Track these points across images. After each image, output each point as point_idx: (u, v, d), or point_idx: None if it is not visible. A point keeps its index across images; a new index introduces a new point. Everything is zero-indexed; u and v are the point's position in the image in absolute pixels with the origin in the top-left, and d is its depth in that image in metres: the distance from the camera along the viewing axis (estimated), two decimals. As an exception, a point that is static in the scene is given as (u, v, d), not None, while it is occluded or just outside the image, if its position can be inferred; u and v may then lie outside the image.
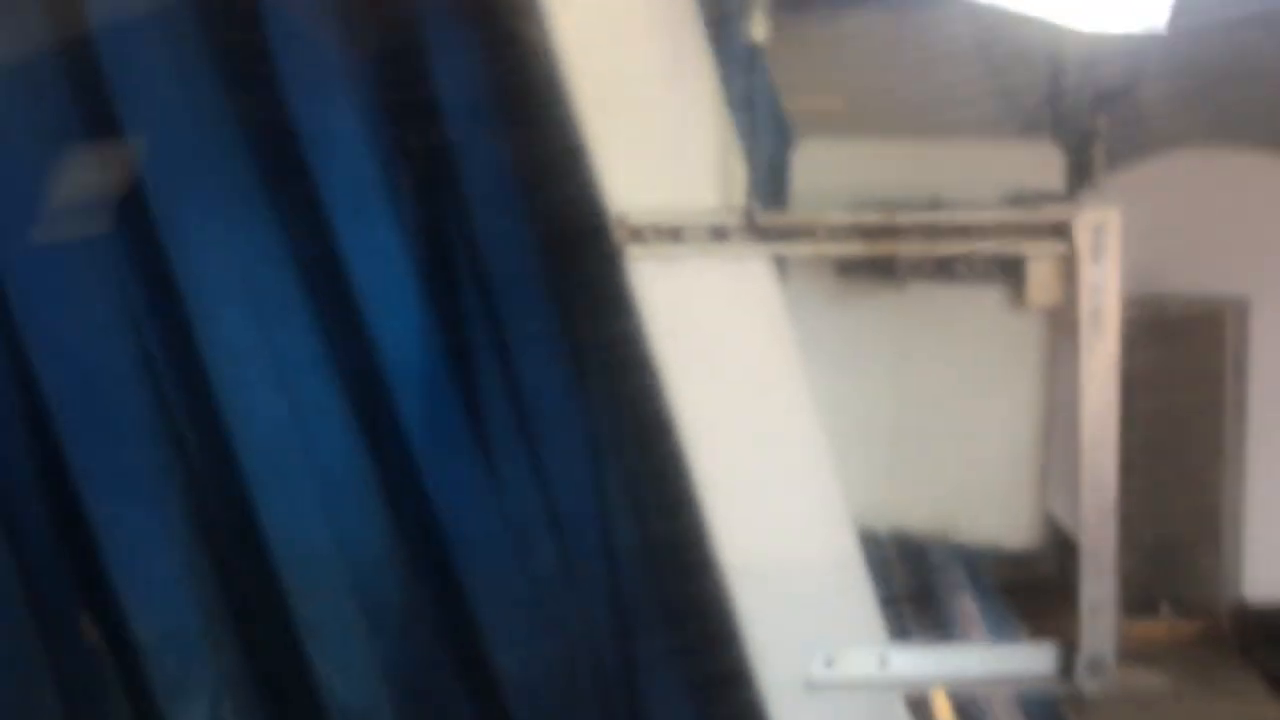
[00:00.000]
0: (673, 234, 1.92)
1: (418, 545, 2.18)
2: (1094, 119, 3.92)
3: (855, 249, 1.96)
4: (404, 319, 2.15)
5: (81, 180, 2.02)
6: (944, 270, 2.02)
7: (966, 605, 2.39)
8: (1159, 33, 3.55)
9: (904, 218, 1.93)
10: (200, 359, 2.05)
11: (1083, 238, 1.90)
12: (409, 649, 2.17)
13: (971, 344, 2.11)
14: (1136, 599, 2.17)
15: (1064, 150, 3.97)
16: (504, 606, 2.20)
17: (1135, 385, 2.17)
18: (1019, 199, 1.98)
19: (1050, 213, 1.92)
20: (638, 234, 1.92)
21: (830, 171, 2.16)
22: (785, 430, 2.02)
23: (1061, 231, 1.92)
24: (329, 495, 2.11)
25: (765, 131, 2.08)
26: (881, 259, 1.99)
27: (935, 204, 1.96)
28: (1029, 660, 2.06)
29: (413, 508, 2.17)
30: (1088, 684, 1.98)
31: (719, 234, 1.93)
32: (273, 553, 2.08)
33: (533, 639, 2.22)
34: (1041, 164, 2.10)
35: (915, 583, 2.40)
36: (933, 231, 1.93)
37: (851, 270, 2.08)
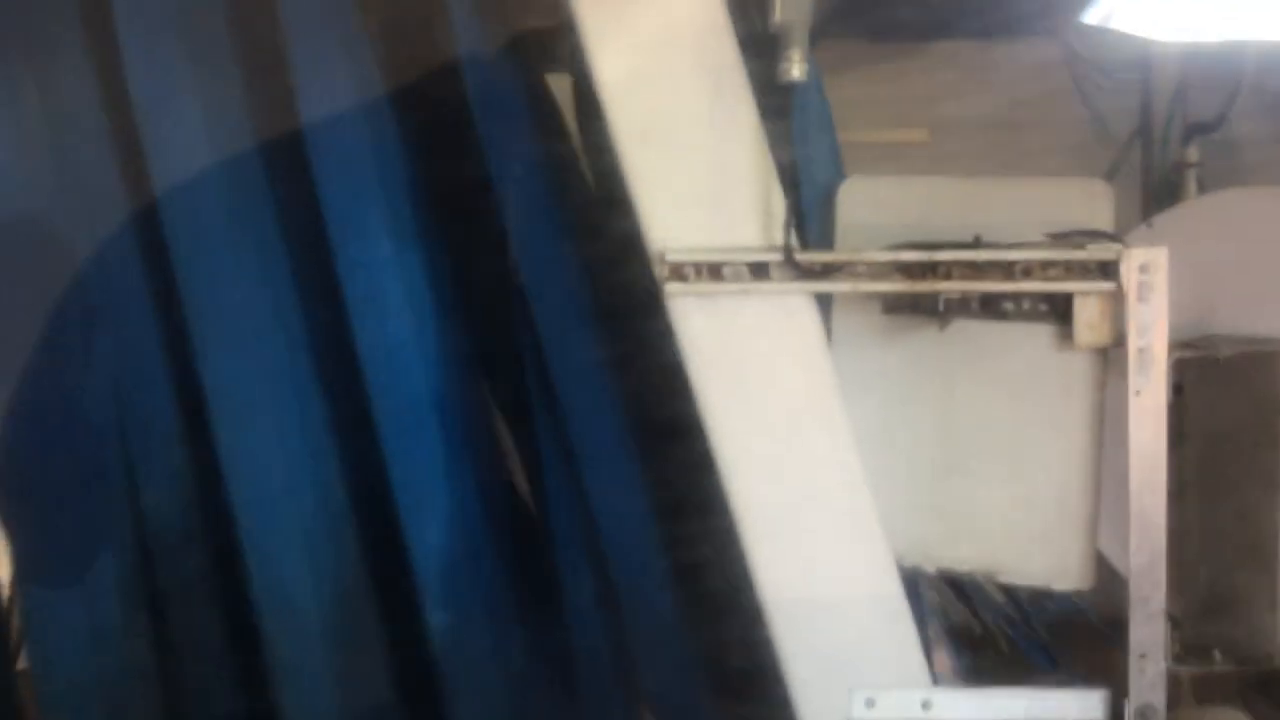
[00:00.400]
0: (713, 271, 1.93)
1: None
2: (1185, 151, 3.91)
3: (897, 286, 1.95)
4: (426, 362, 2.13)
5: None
6: (990, 308, 2.00)
7: (1012, 647, 2.35)
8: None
9: (945, 255, 1.91)
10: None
11: (1130, 276, 1.87)
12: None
13: (1020, 382, 2.09)
14: (1188, 645, 2.12)
15: (1148, 184, 3.96)
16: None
17: (1187, 427, 2.13)
18: (1065, 236, 1.95)
19: (1096, 251, 1.90)
20: (678, 271, 1.93)
21: (876, 209, 2.16)
22: (828, 468, 2.01)
23: (1108, 270, 1.89)
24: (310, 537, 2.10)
25: (813, 169, 2.09)
26: (926, 296, 1.97)
27: (979, 241, 1.94)
28: (1077, 706, 2.02)
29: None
30: (1137, 732, 1.94)
31: (759, 271, 1.94)
32: (253, 593, 2.07)
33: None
34: (1091, 201, 2.07)
35: (961, 623, 2.36)
36: (975, 269, 1.92)
37: (897, 307, 2.08)
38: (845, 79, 4.63)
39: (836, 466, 2.01)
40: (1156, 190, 3.95)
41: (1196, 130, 3.93)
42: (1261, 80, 3.74)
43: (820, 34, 1.83)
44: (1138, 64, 4.17)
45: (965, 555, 2.15)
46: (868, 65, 4.60)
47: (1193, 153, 3.94)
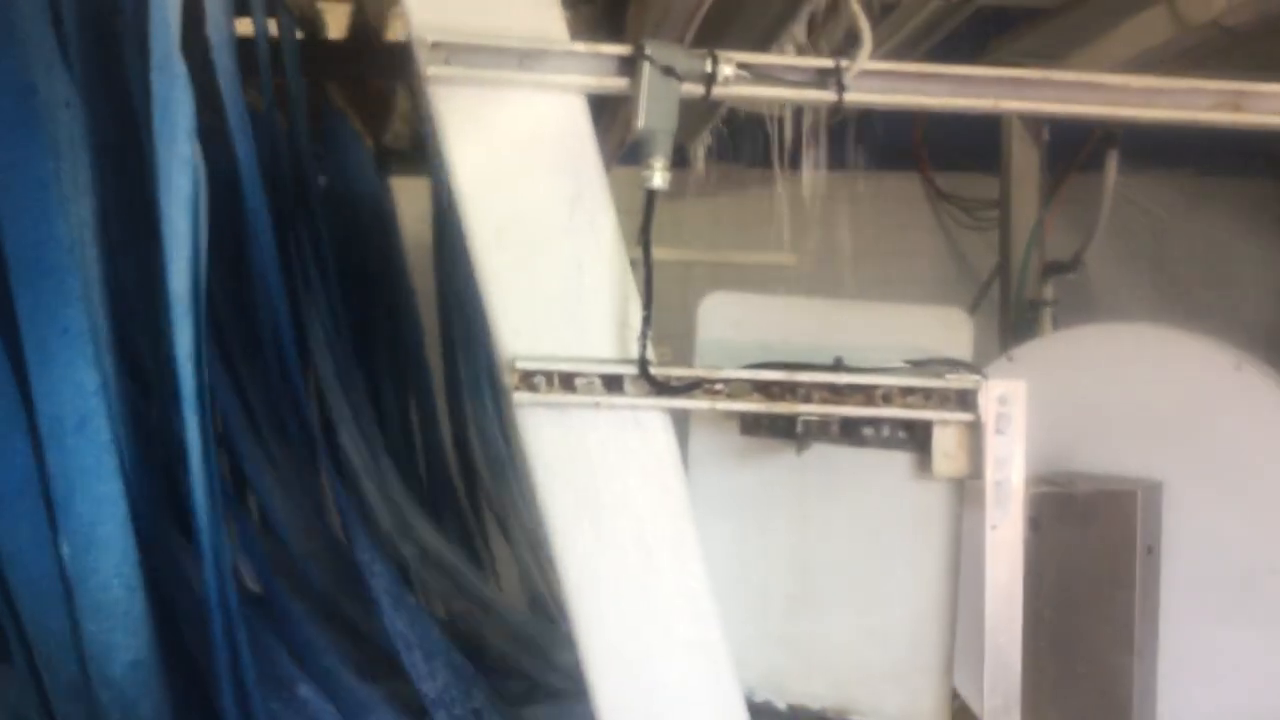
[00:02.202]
0: (565, 381, 1.84)
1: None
2: (1042, 288, 4.00)
3: (755, 406, 1.88)
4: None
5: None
6: (849, 433, 1.95)
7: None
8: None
9: (805, 376, 1.85)
10: None
11: (988, 408, 1.83)
12: None
13: (876, 512, 2.04)
14: (1042, 791, 2.06)
15: (1005, 319, 4.04)
16: None
17: (1043, 565, 2.10)
18: (925, 364, 1.92)
19: (955, 380, 1.86)
20: (528, 380, 1.83)
21: (736, 326, 2.11)
22: (677, 595, 1.91)
23: (967, 400, 1.85)
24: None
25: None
26: (784, 418, 1.91)
27: (840, 364, 1.89)
28: None
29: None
30: None
31: (613, 384, 1.85)
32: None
33: None
34: (951, 330, 2.06)
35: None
36: (835, 392, 1.86)
37: (755, 428, 2.01)
38: (718, 200, 4.70)
39: (686, 594, 1.90)
40: (1015, 325, 4.03)
41: (1053, 270, 4.03)
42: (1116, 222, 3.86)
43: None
44: (998, 203, 4.29)
45: (818, 690, 2.07)
46: (738, 188, 4.67)
47: (1049, 290, 4.04)
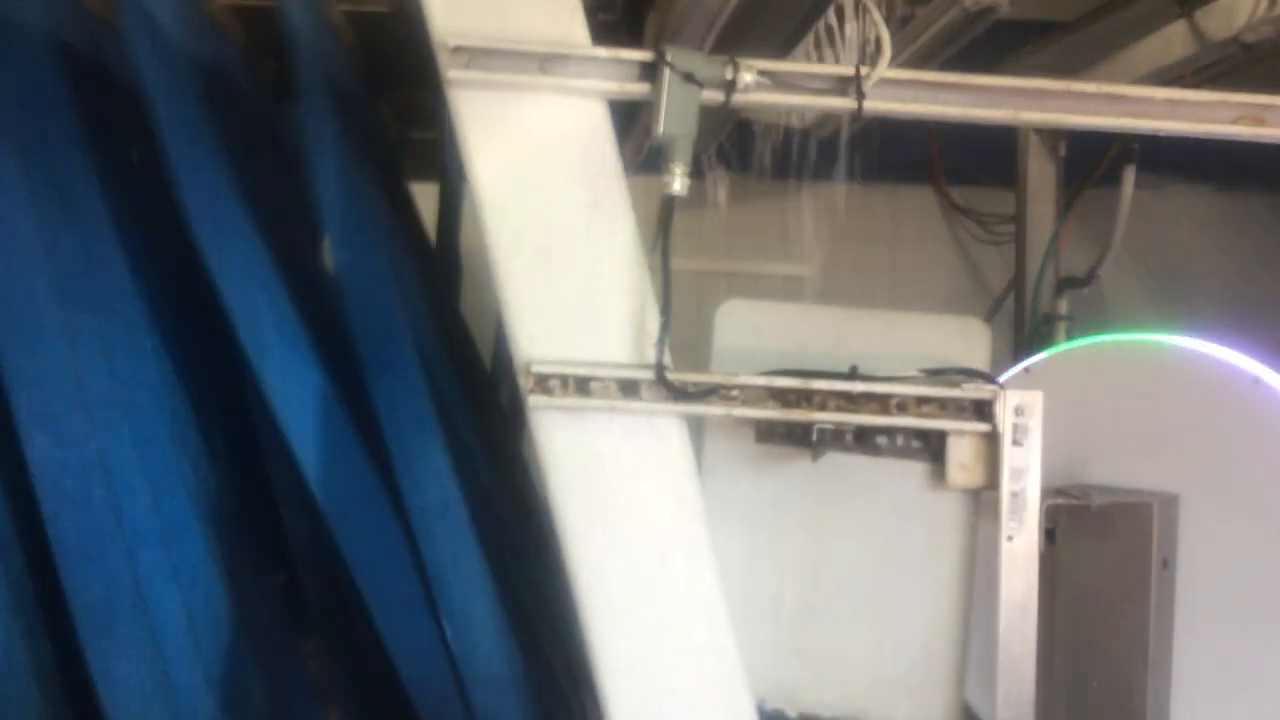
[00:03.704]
0: (580, 386, 1.84)
1: None
2: (1056, 303, 3.99)
3: (771, 413, 1.87)
4: None
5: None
6: (864, 442, 1.94)
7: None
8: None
9: (821, 384, 1.85)
10: None
11: (1005, 418, 1.83)
12: None
13: (890, 522, 2.04)
14: (1053, 804, 2.04)
15: (1019, 334, 4.03)
16: None
17: (1058, 577, 2.09)
18: (941, 373, 1.91)
19: (972, 390, 1.85)
20: (543, 384, 1.83)
21: (754, 333, 2.11)
22: (690, 602, 1.90)
23: (983, 411, 1.85)
24: None
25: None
26: (800, 426, 1.91)
27: (855, 372, 1.89)
28: None
29: None
30: None
31: (629, 389, 1.85)
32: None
33: None
34: (968, 340, 2.05)
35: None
36: (850, 400, 1.86)
37: (770, 436, 2.01)
38: (738, 210, 4.71)
39: (699, 600, 1.90)
40: (1029, 340, 4.02)
41: (1068, 284, 4.02)
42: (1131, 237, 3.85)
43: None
44: (1013, 217, 4.28)
45: (829, 700, 2.07)
46: (758, 199, 4.67)
47: (1064, 305, 4.03)
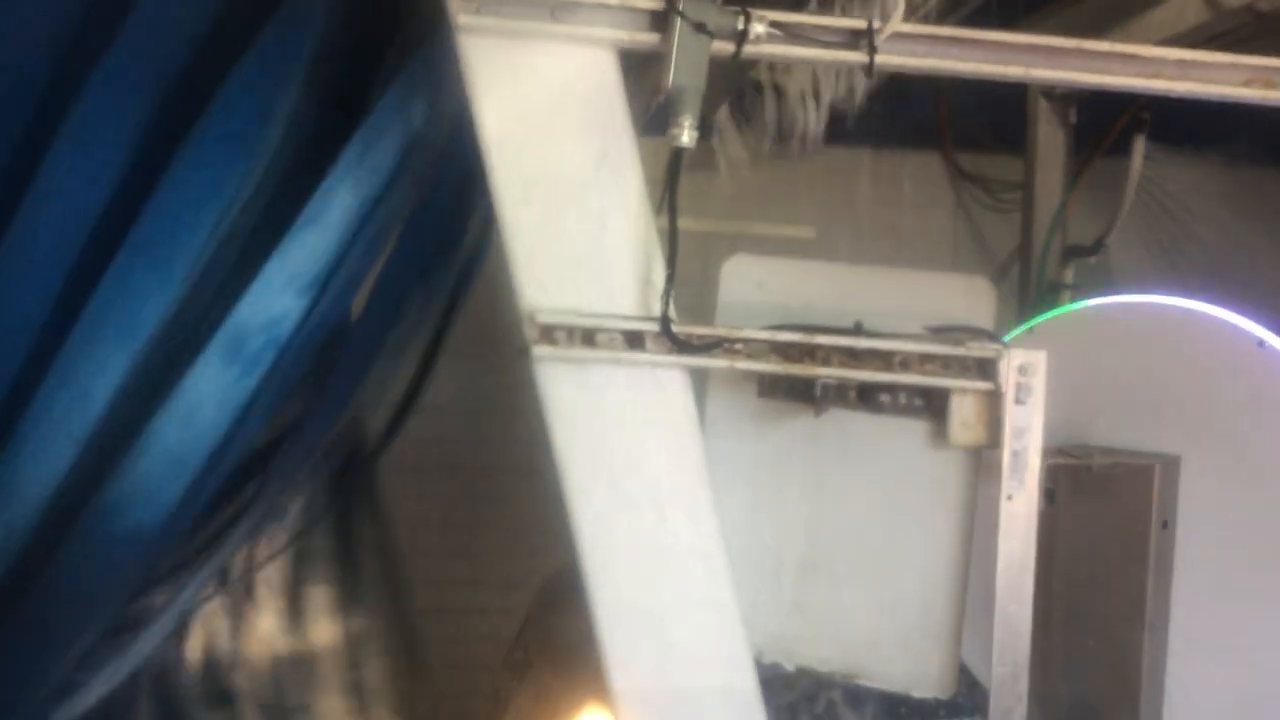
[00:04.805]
0: (585, 337, 1.84)
1: None
2: (1063, 271, 3.98)
3: (773, 367, 1.88)
4: None
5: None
6: (866, 399, 1.95)
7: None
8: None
9: (824, 339, 1.85)
10: None
11: (1008, 377, 1.83)
12: None
13: (891, 480, 2.03)
14: (1048, 761, 2.06)
15: (1024, 302, 4.02)
16: None
17: (1057, 538, 2.10)
18: (945, 331, 1.91)
19: (975, 349, 1.85)
20: (548, 334, 1.83)
21: (758, 288, 2.11)
22: (691, 554, 1.91)
23: (987, 369, 1.85)
24: None
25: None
26: (802, 382, 1.91)
27: (859, 328, 1.89)
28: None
29: None
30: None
31: (634, 341, 1.85)
32: None
33: None
34: (974, 298, 2.05)
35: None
36: (853, 356, 1.86)
37: (772, 391, 2.02)
38: (744, 174, 4.69)
39: (699, 553, 1.91)
40: (1034, 307, 4.01)
41: (1075, 253, 4.01)
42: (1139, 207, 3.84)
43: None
44: (1021, 184, 4.26)
45: (826, 655, 2.07)
46: (765, 162, 4.66)
47: (1070, 273, 4.02)
